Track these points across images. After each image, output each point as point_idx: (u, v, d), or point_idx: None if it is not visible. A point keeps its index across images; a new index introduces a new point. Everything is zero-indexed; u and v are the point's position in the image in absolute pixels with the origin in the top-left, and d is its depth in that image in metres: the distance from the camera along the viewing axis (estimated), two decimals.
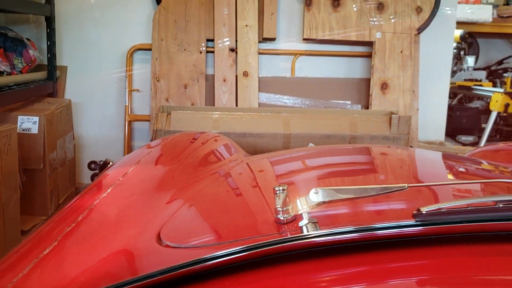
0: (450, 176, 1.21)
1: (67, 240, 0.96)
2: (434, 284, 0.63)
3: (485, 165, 1.44)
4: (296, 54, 3.49)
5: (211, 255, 0.67)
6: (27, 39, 3.08)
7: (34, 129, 2.69)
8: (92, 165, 3.36)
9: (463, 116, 5.14)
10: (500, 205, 0.67)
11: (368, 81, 3.44)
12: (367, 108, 3.42)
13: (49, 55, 3.19)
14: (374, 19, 3.35)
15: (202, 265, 0.67)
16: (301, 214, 0.75)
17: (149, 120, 3.35)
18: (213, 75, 3.34)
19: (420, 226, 0.65)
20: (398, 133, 3.07)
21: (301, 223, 0.74)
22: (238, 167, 1.38)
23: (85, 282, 0.79)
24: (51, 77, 3.20)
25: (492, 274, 0.64)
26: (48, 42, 3.18)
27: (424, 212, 0.66)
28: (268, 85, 3.44)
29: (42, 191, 2.76)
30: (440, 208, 0.66)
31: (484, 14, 5.48)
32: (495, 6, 5.71)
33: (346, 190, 0.74)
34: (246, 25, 3.31)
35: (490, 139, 4.61)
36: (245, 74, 3.32)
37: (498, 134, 5.03)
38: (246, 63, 3.33)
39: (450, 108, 4.95)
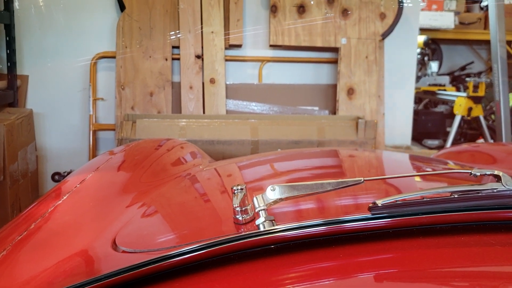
0: (412, 172, 1.22)
1: (17, 248, 0.92)
2: (391, 277, 0.62)
3: (450, 164, 1.45)
4: (263, 60, 3.49)
5: (163, 255, 0.64)
6: None
7: None
8: (56, 177, 3.29)
9: (428, 121, 5.24)
10: (455, 196, 0.67)
11: (335, 86, 3.47)
12: (335, 113, 3.44)
13: (9, 64, 3.11)
14: (339, 25, 3.38)
15: (156, 266, 0.65)
16: (258, 213, 0.74)
17: (114, 129, 3.29)
18: (179, 83, 3.31)
19: (376, 219, 0.64)
20: (365, 138, 3.10)
21: (257, 222, 0.72)
22: (201, 170, 1.35)
23: None
24: (11, 87, 3.12)
25: (448, 266, 0.63)
26: (8, 51, 3.10)
27: (380, 205, 0.65)
28: (236, 92, 3.43)
29: (3, 204, 2.66)
30: (396, 200, 0.65)
31: (446, 21, 5.62)
32: (456, 13, 5.86)
33: (303, 186, 0.73)
34: (212, 32, 3.29)
35: (455, 143, 4.70)
36: (212, 81, 3.30)
37: (462, 138, 5.14)
38: (213, 70, 3.31)
39: (416, 112, 5.03)
